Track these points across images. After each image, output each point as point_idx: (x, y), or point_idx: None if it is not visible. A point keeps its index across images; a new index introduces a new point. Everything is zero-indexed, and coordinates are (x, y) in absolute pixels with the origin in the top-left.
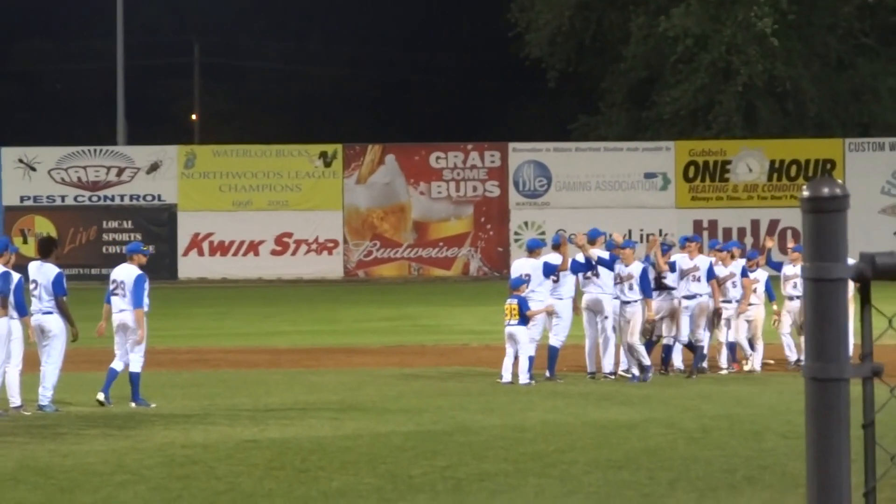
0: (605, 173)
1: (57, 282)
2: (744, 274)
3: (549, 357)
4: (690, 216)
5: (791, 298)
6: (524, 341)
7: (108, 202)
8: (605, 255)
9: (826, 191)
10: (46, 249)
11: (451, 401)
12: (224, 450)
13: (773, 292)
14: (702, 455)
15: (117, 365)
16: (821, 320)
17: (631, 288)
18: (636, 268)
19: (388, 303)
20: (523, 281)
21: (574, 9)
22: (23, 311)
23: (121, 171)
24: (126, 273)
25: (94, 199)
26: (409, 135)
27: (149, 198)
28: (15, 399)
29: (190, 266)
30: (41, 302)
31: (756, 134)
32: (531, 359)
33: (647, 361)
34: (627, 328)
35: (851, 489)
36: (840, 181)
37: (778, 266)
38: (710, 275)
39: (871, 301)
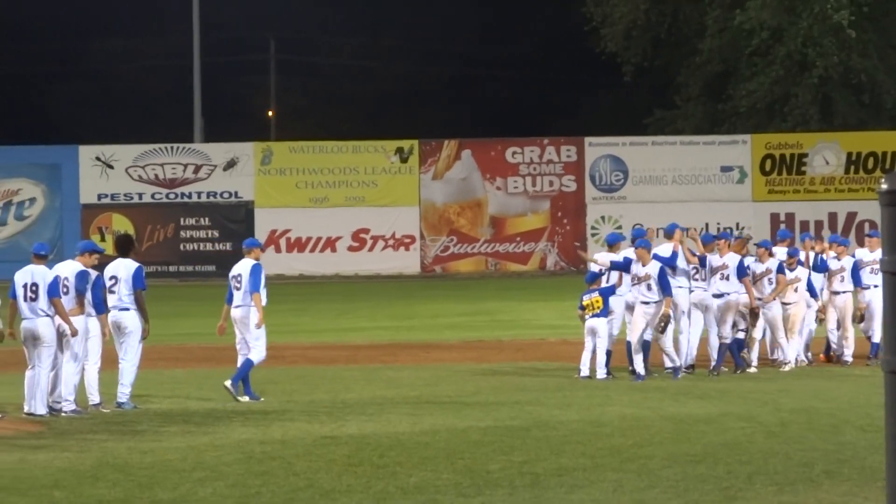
0: (682, 167)
1: (137, 276)
2: (780, 270)
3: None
4: (767, 209)
5: (837, 293)
6: (604, 335)
7: (186, 199)
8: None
9: None
10: (125, 247)
11: (528, 396)
12: (302, 446)
13: (815, 290)
14: (780, 449)
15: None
16: None
17: (650, 288)
18: (653, 268)
19: (465, 298)
20: (599, 275)
21: (650, 2)
22: (101, 308)
23: (198, 169)
24: (243, 266)
25: (172, 196)
26: (484, 130)
27: (226, 195)
28: (94, 397)
29: (267, 263)
30: (119, 298)
31: (832, 126)
32: (609, 353)
33: (677, 362)
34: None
35: None
36: None
37: (825, 267)
38: (741, 272)
39: None
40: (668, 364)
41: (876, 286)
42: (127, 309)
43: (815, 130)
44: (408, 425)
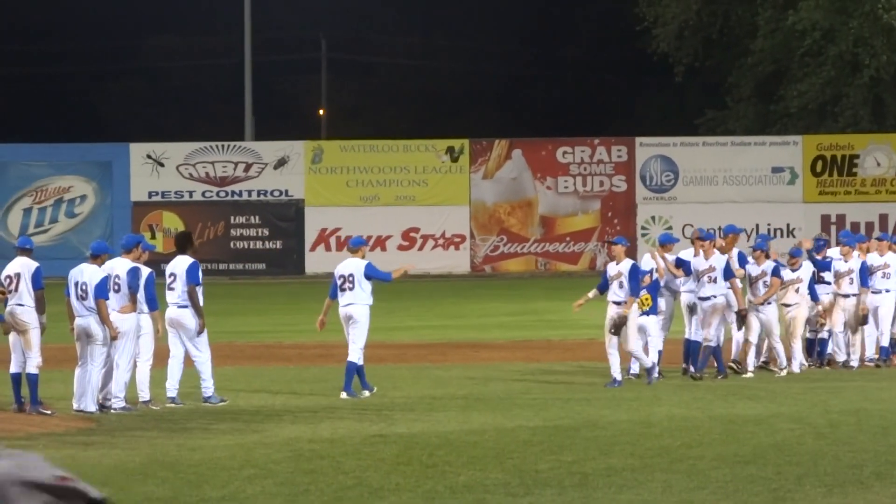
0: (732, 167)
1: (191, 271)
2: (775, 272)
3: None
4: (818, 211)
5: (847, 296)
6: (655, 333)
7: (236, 197)
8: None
9: None
10: (183, 244)
11: (577, 395)
12: (351, 444)
13: (816, 292)
14: (829, 450)
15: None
16: None
17: (622, 286)
18: (625, 266)
19: (515, 297)
20: (645, 272)
21: (701, 3)
22: (153, 305)
23: (248, 167)
24: (354, 265)
25: (222, 194)
26: (535, 129)
27: (276, 193)
28: (144, 394)
29: (317, 261)
30: (178, 295)
31: (884, 128)
32: (660, 353)
33: (647, 363)
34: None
35: None
36: None
37: (826, 265)
38: (728, 274)
39: None
40: (633, 368)
41: (888, 290)
42: (185, 306)
43: (866, 132)
44: (456, 424)
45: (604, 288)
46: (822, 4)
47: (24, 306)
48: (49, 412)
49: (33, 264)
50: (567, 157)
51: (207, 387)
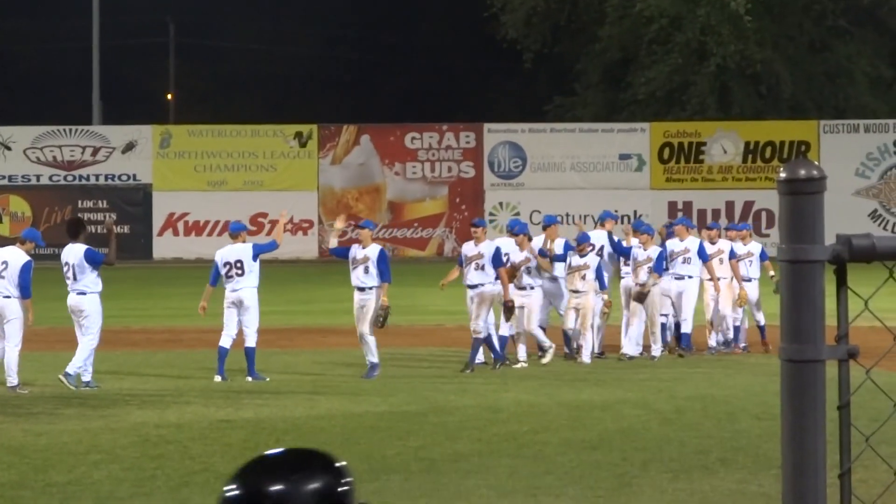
0: (580, 154)
1: (89, 258)
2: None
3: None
4: (665, 198)
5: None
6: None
7: (84, 182)
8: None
9: (803, 173)
10: (75, 231)
11: (424, 381)
12: (198, 429)
13: (604, 281)
14: (675, 436)
15: (226, 342)
16: (798, 302)
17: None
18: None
19: None
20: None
21: None
22: (26, 293)
23: (96, 151)
24: (239, 251)
25: (70, 178)
26: (384, 115)
27: (124, 177)
28: (12, 379)
29: (165, 246)
30: (75, 282)
31: (731, 115)
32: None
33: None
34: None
35: (826, 470)
36: (816, 163)
37: (627, 251)
38: (496, 263)
39: (847, 283)
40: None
41: (690, 276)
42: (83, 293)
43: (713, 119)
44: (304, 410)
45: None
46: None
47: None
48: None
49: None
50: (415, 142)
51: (88, 370)
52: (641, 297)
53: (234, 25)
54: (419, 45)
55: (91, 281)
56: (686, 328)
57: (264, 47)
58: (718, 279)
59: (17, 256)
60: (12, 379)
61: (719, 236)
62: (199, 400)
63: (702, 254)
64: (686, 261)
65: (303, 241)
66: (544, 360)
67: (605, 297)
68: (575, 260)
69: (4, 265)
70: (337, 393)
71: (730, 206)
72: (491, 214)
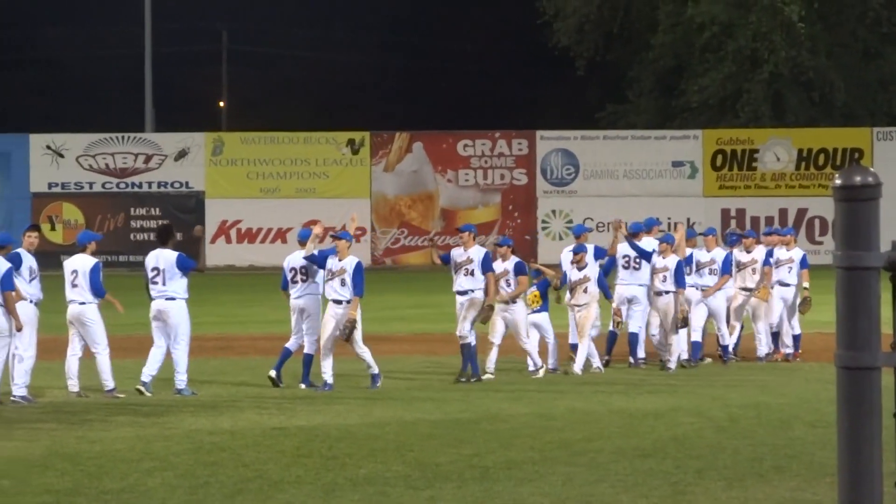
0: (633, 161)
1: (181, 263)
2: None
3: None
4: (718, 205)
5: (660, 294)
6: (549, 328)
7: (136, 189)
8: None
9: (859, 179)
10: (165, 237)
11: (477, 389)
12: (251, 437)
13: (608, 291)
14: (729, 444)
15: (292, 345)
16: (853, 309)
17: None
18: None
19: (416, 290)
20: (538, 273)
21: None
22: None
23: (148, 158)
24: (302, 257)
25: (122, 186)
26: (436, 122)
27: (176, 185)
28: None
29: (217, 253)
30: (163, 288)
31: (784, 123)
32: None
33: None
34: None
35: (883, 478)
36: (872, 170)
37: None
38: (486, 268)
39: None
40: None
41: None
42: (172, 298)
43: (766, 127)
44: (357, 417)
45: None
46: None
47: None
48: None
49: None
50: (468, 150)
51: (182, 380)
52: (685, 322)
53: (287, 32)
54: (471, 51)
55: (180, 287)
56: (697, 337)
57: (316, 54)
58: (743, 289)
59: (84, 262)
60: (108, 383)
61: (756, 244)
62: (252, 408)
63: (726, 266)
64: (712, 272)
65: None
66: (538, 375)
67: (615, 305)
68: (574, 274)
69: (74, 274)
70: (390, 400)
71: (783, 213)
72: (544, 222)
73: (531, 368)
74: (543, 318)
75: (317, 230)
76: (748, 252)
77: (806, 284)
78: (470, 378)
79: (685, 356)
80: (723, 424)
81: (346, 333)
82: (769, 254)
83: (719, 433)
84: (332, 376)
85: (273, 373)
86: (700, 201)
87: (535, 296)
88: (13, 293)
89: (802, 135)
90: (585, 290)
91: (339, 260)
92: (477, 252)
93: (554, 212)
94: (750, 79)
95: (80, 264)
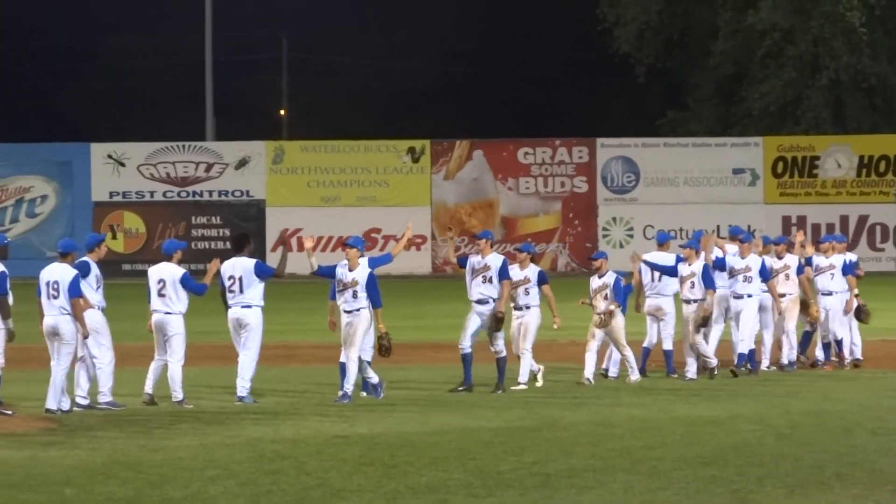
0: (694, 169)
1: (259, 270)
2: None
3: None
4: (779, 212)
5: (688, 302)
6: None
7: (197, 198)
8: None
9: None
10: (241, 244)
11: (538, 396)
12: (313, 445)
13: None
14: (790, 451)
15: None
16: None
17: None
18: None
19: None
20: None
21: (662, 3)
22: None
23: (209, 167)
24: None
25: (183, 194)
26: (496, 130)
27: (237, 193)
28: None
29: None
30: (240, 295)
31: (844, 129)
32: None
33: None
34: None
35: None
36: None
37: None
38: (503, 276)
39: None
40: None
41: (749, 295)
42: (249, 306)
43: (827, 133)
44: (418, 425)
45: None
46: (780, 4)
47: None
48: (9, 412)
49: None
50: (528, 157)
51: (245, 387)
52: (706, 321)
53: (347, 40)
54: (532, 59)
55: (257, 294)
56: (744, 348)
57: (377, 62)
58: (782, 296)
59: (171, 271)
60: (177, 394)
61: (788, 251)
62: (314, 416)
63: (763, 273)
64: (746, 279)
65: (416, 257)
66: (538, 385)
67: (612, 307)
68: (594, 281)
69: (161, 283)
70: (450, 408)
71: (844, 220)
72: (604, 230)
73: (534, 371)
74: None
75: (308, 244)
76: (780, 258)
77: (856, 291)
78: (459, 387)
79: (714, 363)
80: (784, 432)
81: (384, 349)
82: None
83: (780, 440)
84: (375, 374)
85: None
86: (761, 208)
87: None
88: (81, 300)
89: (863, 141)
90: (606, 297)
91: (350, 270)
92: (495, 259)
93: (614, 219)
94: (810, 85)
95: (167, 274)
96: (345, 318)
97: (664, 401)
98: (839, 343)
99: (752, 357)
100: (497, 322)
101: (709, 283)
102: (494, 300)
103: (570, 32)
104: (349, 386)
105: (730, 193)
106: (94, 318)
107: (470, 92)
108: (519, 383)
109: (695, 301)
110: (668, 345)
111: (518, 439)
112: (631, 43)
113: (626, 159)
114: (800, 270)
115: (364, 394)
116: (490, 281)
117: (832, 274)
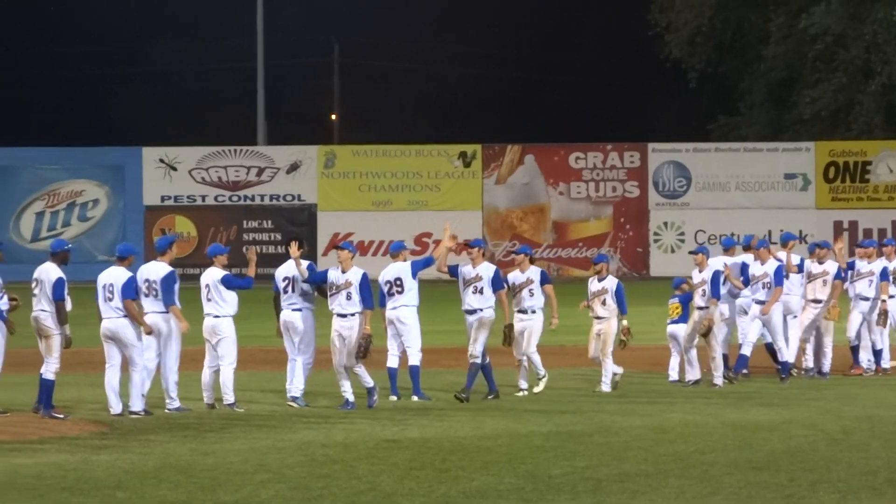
0: (745, 174)
1: (313, 272)
2: (837, 276)
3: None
4: (830, 217)
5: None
6: (682, 340)
7: (249, 202)
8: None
9: None
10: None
11: (590, 401)
12: (364, 449)
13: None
14: (843, 457)
15: (392, 362)
16: None
17: (604, 303)
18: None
19: None
20: (682, 281)
21: (714, 9)
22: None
23: (261, 171)
24: (399, 269)
25: (235, 198)
26: (548, 135)
27: (289, 197)
28: (228, 396)
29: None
30: (293, 299)
31: None
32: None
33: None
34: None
35: None
36: None
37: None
38: (496, 286)
39: None
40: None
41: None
42: (300, 309)
43: (879, 138)
44: (469, 429)
45: (676, 286)
46: (834, 10)
47: (46, 312)
48: (61, 416)
49: (55, 274)
50: (580, 162)
51: (299, 388)
52: (708, 331)
53: (399, 45)
54: (583, 64)
55: (308, 297)
56: (787, 356)
57: (428, 66)
58: (818, 302)
59: (212, 274)
60: (229, 397)
61: (828, 256)
62: (364, 420)
63: (778, 278)
64: (765, 286)
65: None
66: (536, 389)
67: (625, 322)
68: (593, 284)
69: (207, 288)
70: (502, 412)
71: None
72: (655, 234)
73: (539, 375)
74: (681, 329)
75: (293, 252)
76: (820, 263)
77: (884, 297)
78: (487, 396)
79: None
80: (836, 437)
81: (361, 350)
82: (850, 266)
83: (833, 446)
84: (370, 379)
85: (393, 398)
86: (812, 213)
87: (676, 307)
88: (134, 302)
89: None
90: (604, 303)
91: (343, 272)
92: (486, 269)
93: (666, 224)
94: (862, 90)
95: (210, 278)
96: (338, 323)
97: (717, 406)
98: (878, 353)
99: (785, 364)
100: (507, 336)
101: (715, 292)
102: (483, 310)
103: (621, 37)
104: (367, 383)
105: (781, 198)
106: (154, 320)
107: (521, 97)
108: (521, 389)
109: (705, 308)
110: (745, 350)
111: (570, 444)
112: (682, 48)
113: (678, 164)
114: (837, 276)
115: (415, 398)
116: (481, 292)
117: (871, 280)
